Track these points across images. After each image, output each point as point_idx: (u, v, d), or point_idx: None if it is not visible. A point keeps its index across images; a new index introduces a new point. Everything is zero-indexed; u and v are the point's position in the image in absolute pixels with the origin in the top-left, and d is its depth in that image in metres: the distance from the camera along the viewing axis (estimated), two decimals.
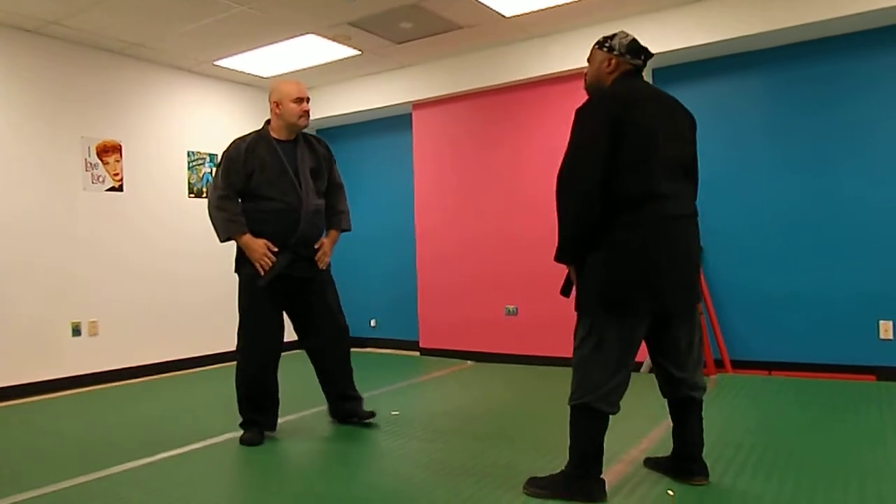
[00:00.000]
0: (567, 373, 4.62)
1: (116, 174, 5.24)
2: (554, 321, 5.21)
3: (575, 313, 2.42)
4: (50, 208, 4.83)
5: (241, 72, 5.90)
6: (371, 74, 6.15)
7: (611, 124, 2.22)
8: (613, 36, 2.45)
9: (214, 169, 3.32)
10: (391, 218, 6.51)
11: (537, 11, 4.67)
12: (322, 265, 3.35)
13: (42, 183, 4.80)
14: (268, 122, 3.34)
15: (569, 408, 2.37)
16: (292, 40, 5.10)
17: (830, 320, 4.50)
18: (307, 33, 4.96)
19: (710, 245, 4.91)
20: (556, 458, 2.80)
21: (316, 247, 3.34)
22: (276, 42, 5.14)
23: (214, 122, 6.06)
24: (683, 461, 2.51)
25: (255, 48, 5.27)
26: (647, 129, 2.26)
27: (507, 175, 5.51)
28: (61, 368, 4.83)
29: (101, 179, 5.14)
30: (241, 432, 3.31)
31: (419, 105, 6.06)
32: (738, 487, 2.46)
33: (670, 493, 2.42)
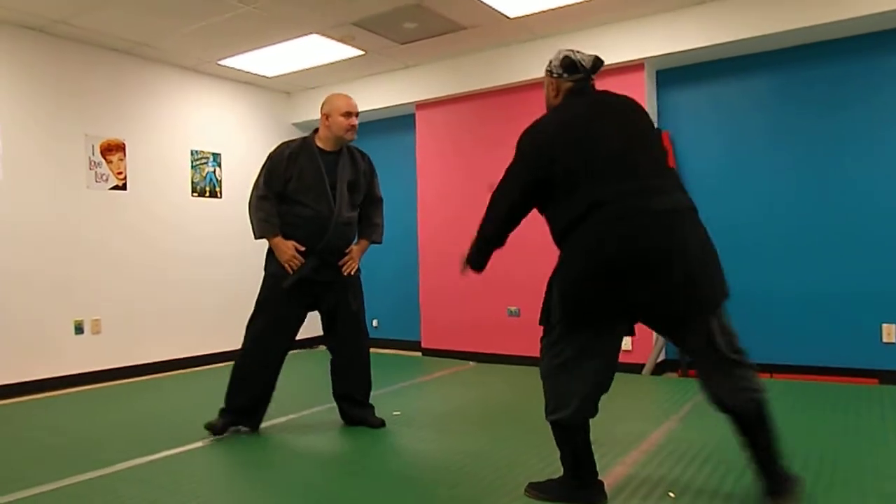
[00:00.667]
0: None
1: (120, 173, 5.26)
2: None
3: None
4: (53, 206, 4.85)
5: (244, 71, 5.91)
6: (375, 74, 6.16)
7: (534, 171, 2.29)
8: (552, 60, 2.43)
9: (259, 169, 3.42)
10: (394, 217, 6.46)
11: (541, 12, 4.67)
12: (348, 270, 3.40)
13: (46, 181, 4.81)
14: (316, 130, 3.43)
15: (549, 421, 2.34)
16: (296, 40, 5.10)
17: (833, 323, 4.49)
18: (311, 33, 4.97)
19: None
20: (557, 461, 2.80)
21: (345, 251, 3.41)
22: (280, 42, 5.15)
23: (218, 121, 6.07)
24: (764, 480, 2.22)
25: (259, 48, 5.28)
26: (580, 147, 2.21)
27: None
28: (64, 366, 4.84)
29: (104, 178, 5.15)
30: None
31: (423, 105, 6.07)
32: (740, 490, 2.46)
33: (671, 495, 2.42)
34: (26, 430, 3.66)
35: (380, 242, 3.61)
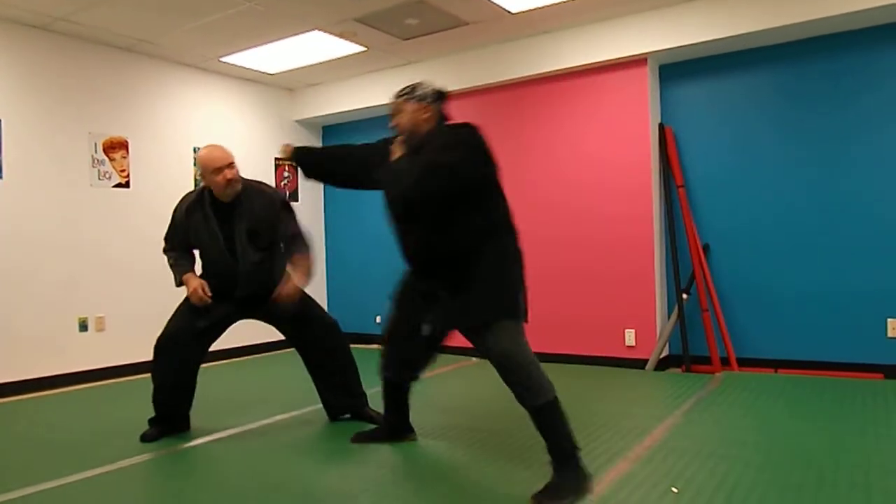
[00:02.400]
0: (571, 370, 4.61)
1: (123, 170, 5.26)
2: (557, 319, 5.21)
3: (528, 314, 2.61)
4: (57, 205, 4.85)
5: (247, 68, 5.91)
6: (377, 71, 6.15)
7: (482, 168, 2.53)
8: (415, 86, 2.71)
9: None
10: None
11: (543, 7, 4.65)
12: (285, 293, 3.23)
13: (49, 179, 4.82)
14: None
15: (537, 409, 2.42)
16: (298, 36, 5.10)
17: (838, 318, 4.47)
18: (313, 29, 4.96)
19: (717, 242, 4.89)
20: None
21: (268, 289, 3.27)
22: (282, 38, 5.14)
23: (220, 118, 6.07)
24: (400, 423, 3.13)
25: (261, 44, 5.28)
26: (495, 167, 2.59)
27: (512, 172, 5.49)
28: (69, 364, 4.86)
29: (107, 176, 5.16)
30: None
31: None
32: (743, 484, 2.46)
33: (674, 490, 2.42)
34: (31, 427, 3.68)
35: (311, 276, 3.36)
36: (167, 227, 3.42)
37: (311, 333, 3.44)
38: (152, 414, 3.36)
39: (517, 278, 2.56)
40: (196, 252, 3.40)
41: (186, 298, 3.30)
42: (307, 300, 3.45)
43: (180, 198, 3.41)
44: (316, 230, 6.98)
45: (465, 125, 2.61)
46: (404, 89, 2.73)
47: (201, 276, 3.29)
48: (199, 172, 3.29)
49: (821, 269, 4.53)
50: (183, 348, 3.25)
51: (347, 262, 6.92)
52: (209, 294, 3.21)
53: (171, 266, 3.36)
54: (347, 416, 3.57)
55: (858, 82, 4.41)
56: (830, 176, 4.50)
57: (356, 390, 3.53)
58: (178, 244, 3.36)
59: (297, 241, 3.35)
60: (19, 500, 2.53)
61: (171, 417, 3.36)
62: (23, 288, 4.65)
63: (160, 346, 3.27)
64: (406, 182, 2.47)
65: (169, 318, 3.35)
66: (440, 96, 2.72)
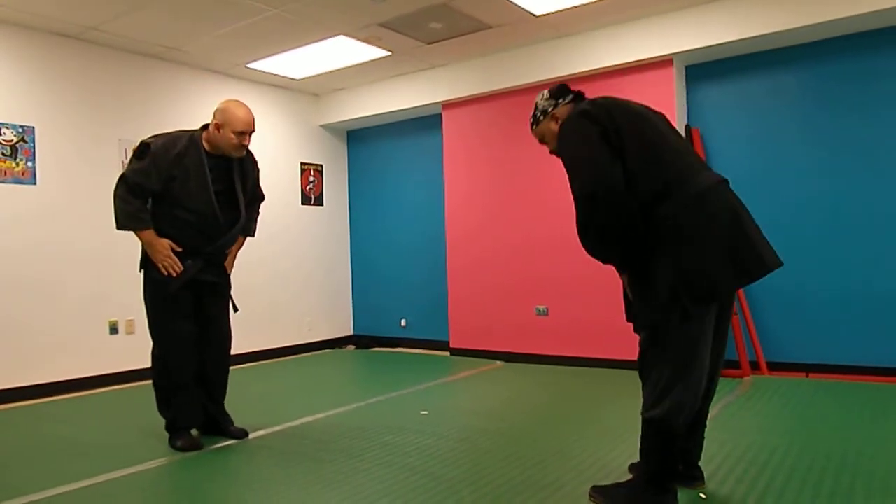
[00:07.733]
0: (595, 374, 4.57)
1: None
2: (585, 322, 5.17)
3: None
4: (89, 209, 4.95)
5: (273, 74, 5.97)
6: (401, 75, 6.18)
7: (601, 133, 2.18)
8: (535, 106, 2.48)
9: (130, 157, 3.13)
10: (422, 216, 6.53)
11: (567, 10, 4.64)
12: (229, 270, 3.40)
13: (81, 184, 4.92)
14: (204, 127, 3.18)
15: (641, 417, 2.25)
16: (323, 42, 5.15)
17: (871, 321, 4.38)
18: (338, 35, 5.00)
19: None
20: (585, 461, 2.78)
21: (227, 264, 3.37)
22: (307, 44, 5.19)
23: None
24: (685, 468, 2.42)
25: (286, 50, 5.34)
26: (635, 125, 2.22)
27: (539, 174, 5.48)
28: (99, 366, 4.95)
29: None
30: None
31: (449, 105, 6.07)
32: (773, 490, 2.42)
33: (702, 496, 2.39)
34: (62, 428, 3.75)
35: (254, 237, 3.57)
36: (135, 165, 3.03)
37: (215, 337, 3.45)
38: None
39: (693, 255, 2.17)
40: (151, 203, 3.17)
41: (151, 283, 3.21)
42: (229, 309, 3.49)
43: (153, 135, 3.15)
44: (341, 234, 7.03)
45: (570, 120, 2.31)
46: (531, 119, 2.53)
47: (167, 230, 3.11)
48: (215, 121, 3.08)
49: (853, 271, 4.44)
50: (191, 350, 3.33)
51: (372, 267, 6.95)
52: (176, 260, 3.09)
53: (130, 213, 3.01)
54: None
55: (889, 83, 4.32)
56: (860, 177, 4.41)
57: (222, 403, 3.52)
58: (146, 191, 3.04)
59: (259, 203, 3.49)
60: (47, 500, 2.58)
61: (197, 419, 3.35)
62: (54, 291, 4.75)
63: (169, 351, 3.32)
64: None
65: (154, 317, 3.30)
66: (557, 94, 2.45)
